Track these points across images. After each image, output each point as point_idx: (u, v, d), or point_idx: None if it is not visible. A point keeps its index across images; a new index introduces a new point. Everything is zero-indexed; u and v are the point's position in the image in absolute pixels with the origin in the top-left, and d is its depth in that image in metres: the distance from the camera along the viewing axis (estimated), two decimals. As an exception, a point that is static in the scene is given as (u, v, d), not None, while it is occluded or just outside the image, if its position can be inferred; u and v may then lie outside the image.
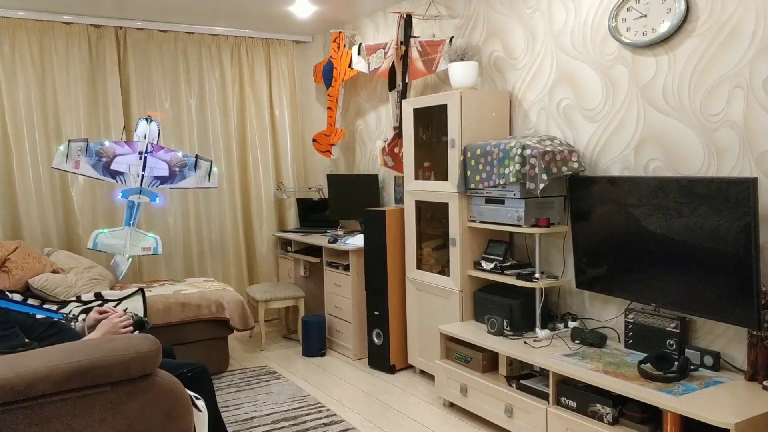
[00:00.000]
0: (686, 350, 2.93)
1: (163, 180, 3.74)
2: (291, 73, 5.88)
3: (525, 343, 3.38)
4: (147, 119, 3.75)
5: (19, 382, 1.81)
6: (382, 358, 4.42)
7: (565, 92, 3.57)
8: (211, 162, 3.77)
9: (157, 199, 3.77)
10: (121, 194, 3.76)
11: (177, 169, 3.71)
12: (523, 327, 3.56)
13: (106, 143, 3.72)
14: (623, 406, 2.77)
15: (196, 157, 3.68)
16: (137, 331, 2.60)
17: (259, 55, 5.70)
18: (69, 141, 3.64)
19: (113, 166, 3.67)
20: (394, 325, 4.38)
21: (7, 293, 3.74)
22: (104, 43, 5.02)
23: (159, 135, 3.80)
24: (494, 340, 3.46)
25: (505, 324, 3.55)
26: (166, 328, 4.15)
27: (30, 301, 3.95)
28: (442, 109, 3.92)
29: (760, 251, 2.61)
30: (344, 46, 5.30)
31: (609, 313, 3.42)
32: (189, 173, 3.73)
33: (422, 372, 4.33)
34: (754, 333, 2.63)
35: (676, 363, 2.77)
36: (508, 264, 3.69)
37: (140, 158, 3.70)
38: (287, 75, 5.85)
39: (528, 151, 3.31)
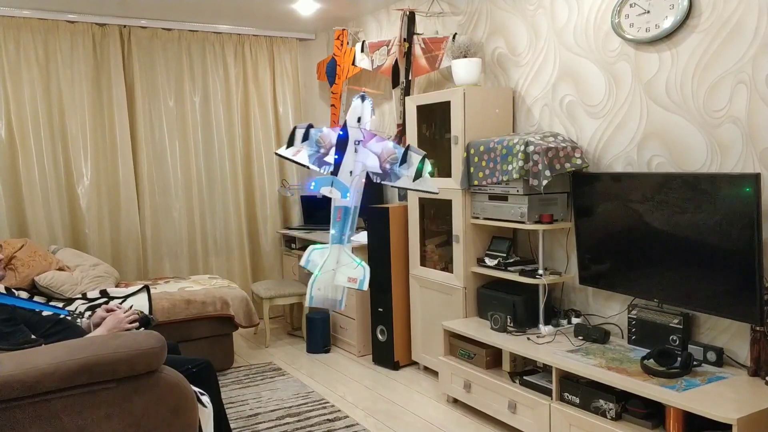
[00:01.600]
0: (689, 346, 2.93)
1: (376, 178, 3.15)
2: (294, 71, 5.89)
3: (528, 339, 3.39)
4: (362, 97, 3.15)
5: (26, 378, 1.83)
6: (386, 354, 4.44)
7: (568, 89, 3.57)
8: (425, 156, 3.04)
9: (348, 195, 3.22)
10: (313, 184, 3.21)
11: (388, 165, 3.11)
12: (526, 323, 3.56)
13: (324, 130, 3.19)
14: (626, 402, 2.77)
15: (407, 148, 3.01)
16: (142, 328, 2.62)
17: (262, 53, 5.71)
18: (296, 126, 3.13)
19: (327, 158, 3.18)
20: (398, 321, 4.39)
21: (14, 291, 3.77)
22: (108, 42, 5.04)
23: (372, 117, 3.13)
24: (498, 336, 3.47)
25: (509, 320, 3.56)
26: (171, 325, 4.17)
27: (36, 299, 3.98)
28: (445, 106, 3.93)
29: (762, 247, 2.61)
30: (347, 43, 5.31)
31: (612, 309, 3.42)
32: (400, 171, 3.08)
33: (426, 368, 4.35)
34: (757, 329, 2.63)
35: (679, 359, 2.77)
36: (512, 260, 3.70)
37: (355, 150, 3.13)
38: (291, 73, 5.87)
39: (531, 148, 3.31)
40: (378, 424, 3.53)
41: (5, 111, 4.70)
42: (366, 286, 3.03)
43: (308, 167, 3.16)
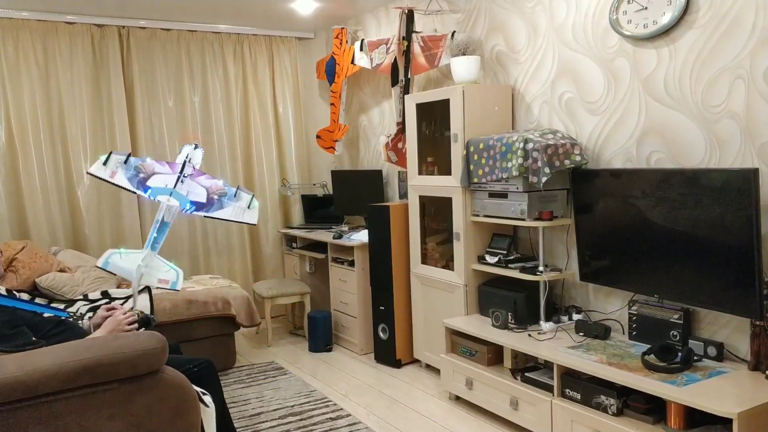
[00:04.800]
0: (689, 341, 2.94)
1: (199, 207, 3.50)
2: (294, 70, 5.90)
3: (529, 335, 3.39)
4: (195, 146, 3.61)
5: (28, 380, 1.84)
6: (388, 352, 4.44)
7: (567, 86, 3.57)
8: (253, 195, 3.55)
9: (188, 205, 3.49)
10: (150, 192, 3.49)
11: (215, 197, 3.49)
12: (527, 320, 3.57)
13: (148, 160, 3.58)
14: (627, 398, 2.78)
15: (237, 188, 3.46)
16: (143, 329, 2.63)
17: (261, 53, 5.72)
18: (111, 152, 3.45)
19: (149, 183, 3.48)
20: (399, 319, 4.40)
21: (15, 292, 3.78)
22: (107, 43, 5.05)
23: (200, 162, 3.58)
24: (499, 333, 3.47)
25: (510, 317, 3.56)
26: (173, 325, 4.18)
27: (37, 300, 3.99)
28: (444, 104, 3.93)
29: (762, 242, 2.61)
30: (347, 42, 5.31)
31: (613, 305, 3.43)
32: (227, 203, 3.49)
33: (428, 366, 4.35)
34: (757, 323, 2.64)
35: (679, 354, 2.78)
36: (512, 257, 3.70)
37: (180, 181, 3.50)
38: (290, 72, 5.87)
39: (531, 145, 3.31)
40: (380, 422, 3.54)
41: (5, 113, 4.71)
42: (180, 286, 3.23)
43: (127, 189, 3.42)
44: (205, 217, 3.45)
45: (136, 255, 3.25)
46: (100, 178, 3.37)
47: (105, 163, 3.41)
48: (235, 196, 3.45)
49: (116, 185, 3.40)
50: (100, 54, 5.05)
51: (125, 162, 3.43)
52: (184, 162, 3.48)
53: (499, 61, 4.01)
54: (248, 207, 3.46)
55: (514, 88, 3.92)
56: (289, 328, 5.65)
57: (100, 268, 3.28)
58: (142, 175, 3.46)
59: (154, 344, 2.03)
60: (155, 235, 3.32)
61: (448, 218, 4.07)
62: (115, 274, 3.50)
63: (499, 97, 3.87)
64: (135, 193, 3.43)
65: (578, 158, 3.38)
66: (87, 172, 3.63)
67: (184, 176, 3.49)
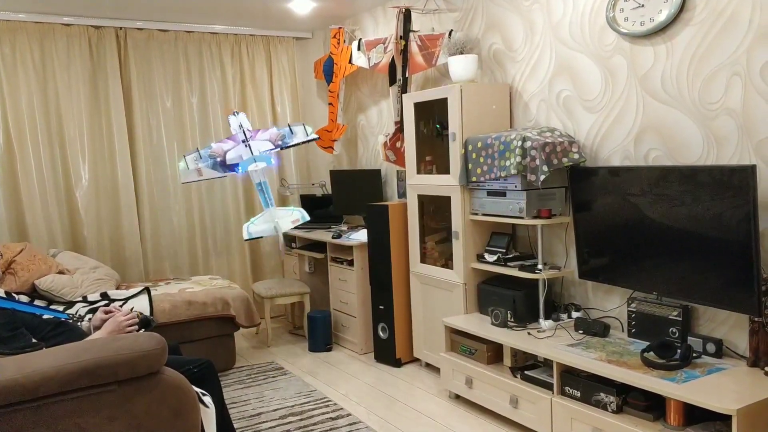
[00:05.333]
0: (689, 338, 2.94)
1: (273, 149, 4.05)
2: (292, 70, 5.90)
3: (529, 334, 3.39)
4: (234, 113, 4.09)
5: (27, 382, 1.84)
6: (388, 351, 4.45)
7: (564, 83, 3.57)
8: (303, 124, 4.10)
9: (272, 160, 4.02)
10: (240, 169, 3.99)
11: (279, 141, 4.03)
12: (526, 318, 3.57)
13: (213, 145, 4.06)
14: (627, 395, 2.79)
15: (289, 125, 4.04)
16: (143, 330, 2.63)
17: (259, 53, 5.72)
18: (184, 156, 3.96)
19: (228, 161, 3.98)
20: (399, 318, 4.40)
21: (14, 295, 3.78)
22: (105, 44, 5.04)
23: (248, 121, 4.13)
24: (498, 331, 3.48)
25: (509, 315, 3.57)
26: (173, 326, 4.18)
27: (36, 302, 3.99)
28: (442, 103, 3.93)
29: (760, 238, 2.62)
30: (344, 41, 5.31)
31: (612, 303, 3.43)
32: (290, 139, 4.05)
33: (428, 365, 4.36)
34: (756, 320, 2.64)
35: (678, 351, 2.78)
36: (511, 256, 3.71)
37: (246, 146, 3.98)
38: (288, 72, 5.87)
39: (528, 143, 3.32)
40: (380, 421, 3.54)
41: (2, 115, 4.71)
42: (308, 216, 4.07)
43: (219, 177, 4.07)
44: (285, 148, 4.07)
45: (263, 216, 3.98)
46: (195, 181, 4.01)
47: (188, 167, 3.94)
48: (291, 132, 4.04)
49: (209, 179, 3.93)
50: (98, 55, 5.05)
51: (200, 157, 3.96)
52: (242, 130, 4.02)
53: (496, 60, 4.01)
54: (306, 131, 4.07)
55: (512, 86, 3.92)
56: (288, 328, 5.66)
57: (248, 240, 4.04)
58: (219, 159, 3.97)
59: (153, 345, 2.03)
60: (264, 195, 3.99)
61: (447, 217, 4.07)
62: (260, 237, 4.12)
63: (496, 96, 3.87)
64: (227, 176, 4.03)
65: (576, 156, 3.38)
66: (183, 183, 4.29)
67: (248, 141, 4.00)
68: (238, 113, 4.07)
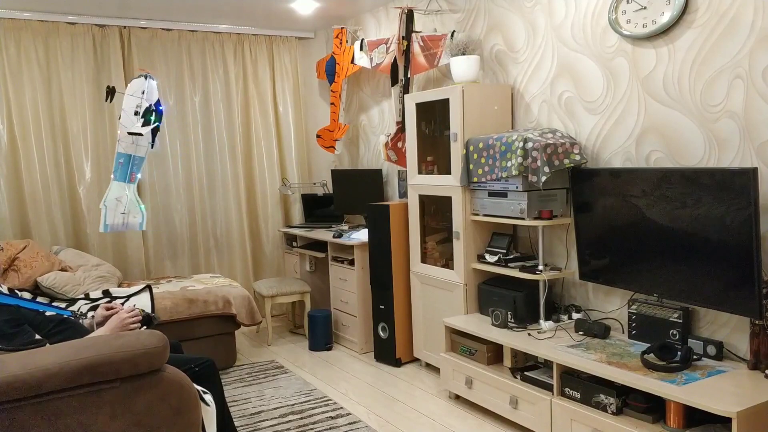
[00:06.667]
0: (689, 340, 2.95)
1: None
2: (294, 70, 5.91)
3: (529, 334, 3.40)
4: (146, 76, 3.69)
5: (30, 378, 1.85)
6: (388, 351, 4.45)
7: (566, 85, 3.58)
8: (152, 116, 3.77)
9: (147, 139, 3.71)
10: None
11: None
12: (527, 319, 3.58)
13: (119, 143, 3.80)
14: (627, 396, 2.79)
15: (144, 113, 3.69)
16: (144, 327, 2.64)
17: (262, 52, 5.72)
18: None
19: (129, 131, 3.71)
20: (399, 318, 4.41)
21: (17, 291, 3.79)
22: (109, 43, 5.05)
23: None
24: (498, 332, 3.48)
25: (509, 316, 3.57)
26: (174, 324, 4.19)
27: (39, 299, 4.00)
28: (444, 104, 3.94)
29: (761, 241, 2.62)
30: (347, 42, 5.32)
31: (612, 304, 3.44)
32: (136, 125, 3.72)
33: (428, 365, 4.36)
34: (756, 322, 2.65)
35: (679, 353, 2.79)
36: (512, 257, 3.71)
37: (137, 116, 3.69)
38: (290, 71, 5.88)
39: (530, 144, 3.32)
40: (380, 420, 3.55)
41: (6, 113, 4.72)
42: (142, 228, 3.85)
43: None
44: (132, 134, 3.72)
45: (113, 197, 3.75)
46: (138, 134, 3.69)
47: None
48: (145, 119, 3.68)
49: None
50: (102, 54, 5.06)
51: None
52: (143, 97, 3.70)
53: (498, 61, 4.02)
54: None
55: (514, 87, 3.93)
56: (289, 326, 5.67)
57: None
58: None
59: (155, 343, 2.04)
60: (124, 169, 3.73)
61: (448, 217, 4.08)
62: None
63: (498, 97, 3.88)
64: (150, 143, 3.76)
65: (578, 157, 3.38)
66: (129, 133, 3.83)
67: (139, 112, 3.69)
68: (148, 76, 3.66)
